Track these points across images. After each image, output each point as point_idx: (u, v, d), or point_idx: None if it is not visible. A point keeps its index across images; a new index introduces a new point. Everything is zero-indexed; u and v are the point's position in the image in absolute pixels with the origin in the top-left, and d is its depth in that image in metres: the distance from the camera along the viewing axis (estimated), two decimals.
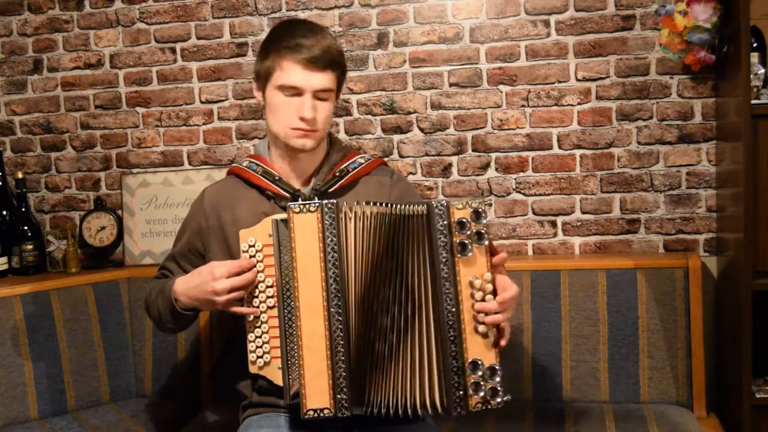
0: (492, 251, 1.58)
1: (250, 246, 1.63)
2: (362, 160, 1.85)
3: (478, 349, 1.54)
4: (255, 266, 1.63)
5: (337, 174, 1.80)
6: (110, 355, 2.43)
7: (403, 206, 1.58)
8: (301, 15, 2.52)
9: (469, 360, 1.54)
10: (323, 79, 1.70)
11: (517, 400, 2.26)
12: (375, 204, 1.58)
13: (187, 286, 1.69)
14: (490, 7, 2.44)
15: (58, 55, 2.70)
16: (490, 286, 1.55)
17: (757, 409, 2.05)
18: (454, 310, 1.54)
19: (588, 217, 2.45)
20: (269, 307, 1.62)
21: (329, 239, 1.56)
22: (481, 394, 1.53)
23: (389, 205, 1.58)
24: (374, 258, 1.57)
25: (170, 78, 2.64)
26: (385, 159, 2.36)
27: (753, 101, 2.02)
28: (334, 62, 1.71)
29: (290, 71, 1.68)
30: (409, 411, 1.56)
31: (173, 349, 2.46)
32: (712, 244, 2.39)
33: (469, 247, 1.54)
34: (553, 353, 2.25)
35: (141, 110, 2.67)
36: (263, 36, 2.53)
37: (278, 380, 1.62)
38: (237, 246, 1.66)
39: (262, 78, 1.74)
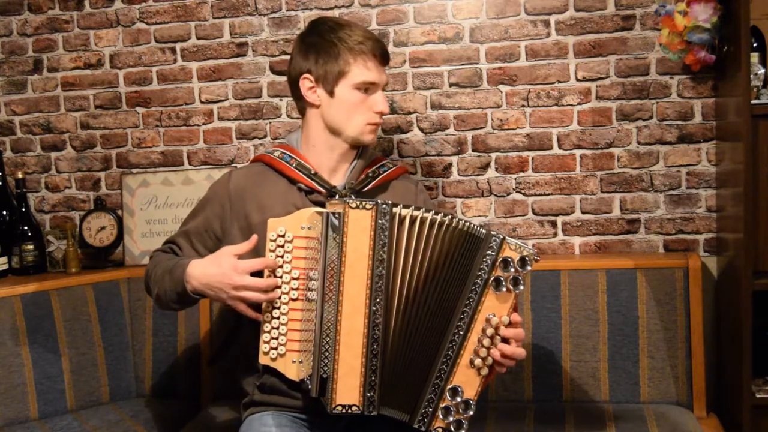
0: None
1: (279, 236, 1.61)
2: (390, 165, 1.90)
3: (464, 380, 1.57)
4: (281, 267, 1.61)
5: (370, 174, 1.83)
6: (110, 355, 2.43)
7: (463, 222, 1.58)
8: (301, 15, 2.53)
9: (451, 385, 1.56)
10: (386, 72, 1.82)
11: (517, 400, 2.26)
12: (429, 211, 1.58)
13: (204, 272, 1.65)
14: (490, 7, 2.44)
15: (58, 55, 2.70)
16: (504, 330, 1.56)
17: (757, 409, 2.05)
18: (462, 333, 1.56)
19: (588, 217, 2.45)
20: (292, 300, 1.61)
21: (380, 238, 1.56)
22: (446, 421, 1.56)
23: (449, 216, 1.58)
24: (421, 265, 1.58)
25: (170, 78, 2.64)
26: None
27: (753, 101, 2.02)
28: None
29: (372, 68, 1.76)
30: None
31: (173, 349, 2.46)
32: (712, 244, 2.39)
33: (503, 286, 1.55)
34: (553, 353, 2.25)
35: (141, 110, 2.67)
36: (263, 36, 2.55)
37: (290, 374, 1.61)
38: (262, 233, 1.65)
39: (331, 78, 1.75)
